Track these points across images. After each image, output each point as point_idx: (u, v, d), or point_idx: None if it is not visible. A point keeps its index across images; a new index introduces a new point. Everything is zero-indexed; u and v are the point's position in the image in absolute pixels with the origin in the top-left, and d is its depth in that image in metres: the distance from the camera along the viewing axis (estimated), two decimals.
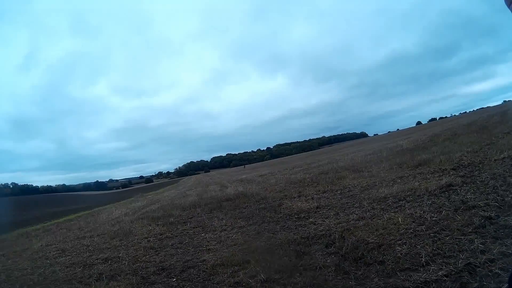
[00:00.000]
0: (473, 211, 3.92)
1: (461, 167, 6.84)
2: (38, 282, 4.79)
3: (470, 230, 3.37)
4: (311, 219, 5.68)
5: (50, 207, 32.07)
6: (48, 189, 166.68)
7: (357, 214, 5.27)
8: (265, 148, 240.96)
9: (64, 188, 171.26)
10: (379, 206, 5.42)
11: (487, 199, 4.17)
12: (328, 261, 3.58)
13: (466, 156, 7.82)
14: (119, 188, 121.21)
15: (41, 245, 8.07)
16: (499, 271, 2.45)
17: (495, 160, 6.48)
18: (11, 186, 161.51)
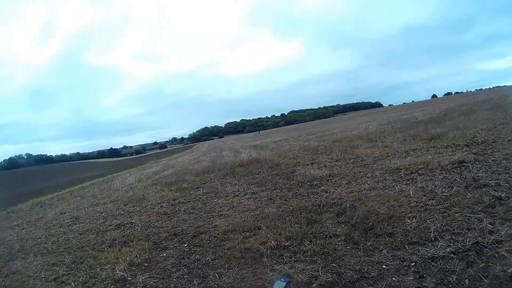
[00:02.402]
0: (484, 189, 3.80)
1: (474, 144, 6.58)
2: (51, 250, 4.75)
3: (479, 208, 3.28)
4: (323, 187, 5.66)
5: (65, 176, 31.56)
6: (62, 158, 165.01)
7: (369, 184, 5.21)
8: (279, 114, 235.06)
9: (78, 156, 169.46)
10: (391, 177, 5.35)
11: (498, 179, 4.02)
12: (339, 230, 3.57)
13: (480, 134, 7.51)
14: (133, 155, 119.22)
15: (55, 214, 7.95)
16: (505, 254, 2.38)
17: (508, 140, 6.18)
18: (25, 157, 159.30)
